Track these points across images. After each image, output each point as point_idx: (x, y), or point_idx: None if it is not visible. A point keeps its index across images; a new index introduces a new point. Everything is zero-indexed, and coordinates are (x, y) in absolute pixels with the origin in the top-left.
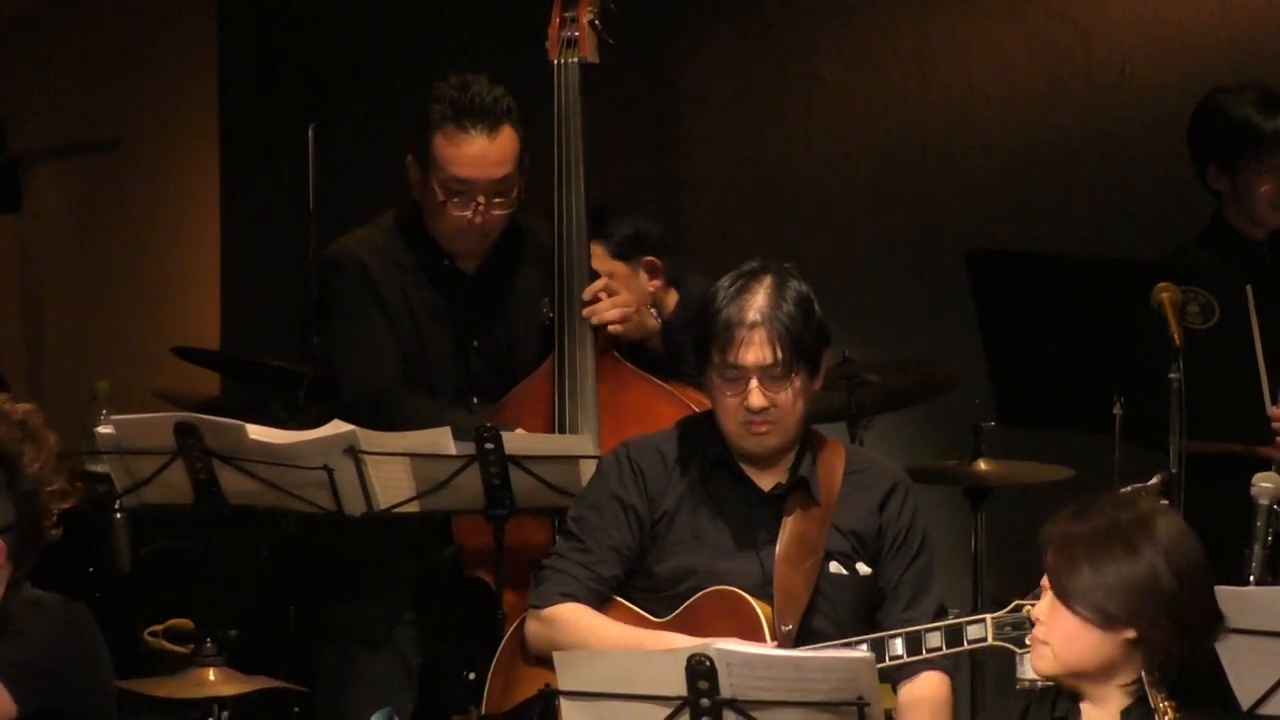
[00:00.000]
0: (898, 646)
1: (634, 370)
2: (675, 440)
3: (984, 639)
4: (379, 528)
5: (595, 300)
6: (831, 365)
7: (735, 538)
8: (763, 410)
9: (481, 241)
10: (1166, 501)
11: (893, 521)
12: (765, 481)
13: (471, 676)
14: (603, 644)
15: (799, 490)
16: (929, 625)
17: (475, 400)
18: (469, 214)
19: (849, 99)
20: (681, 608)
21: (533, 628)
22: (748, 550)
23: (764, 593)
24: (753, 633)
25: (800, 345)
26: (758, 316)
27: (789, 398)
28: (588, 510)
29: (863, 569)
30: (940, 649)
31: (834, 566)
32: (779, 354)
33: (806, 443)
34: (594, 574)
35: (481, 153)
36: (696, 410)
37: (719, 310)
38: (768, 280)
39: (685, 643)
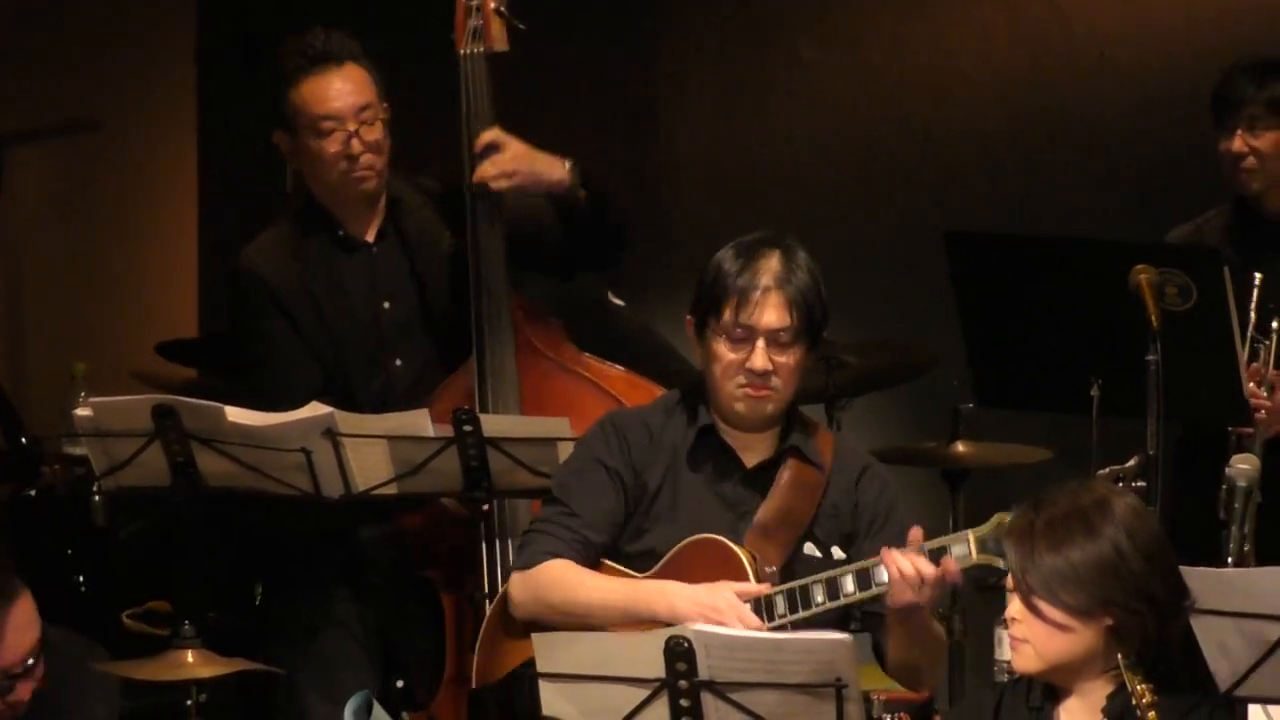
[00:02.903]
0: (882, 575)
1: (556, 362)
2: (661, 412)
3: (968, 556)
4: (312, 515)
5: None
6: None
7: (718, 511)
8: (765, 374)
9: (371, 181)
10: (1144, 483)
11: (871, 503)
12: (750, 458)
13: (400, 685)
14: (592, 595)
15: (786, 462)
16: (843, 569)
17: (398, 362)
18: (347, 146)
19: (828, 80)
20: (663, 561)
21: (517, 591)
22: (729, 523)
23: None
24: (736, 575)
25: (811, 314)
26: (773, 280)
27: (790, 365)
28: (573, 476)
29: (837, 553)
30: (854, 593)
31: (808, 548)
32: (792, 319)
33: (793, 420)
34: (581, 537)
35: (340, 86)
36: (620, 400)
37: (731, 273)
38: (778, 250)
39: (677, 589)
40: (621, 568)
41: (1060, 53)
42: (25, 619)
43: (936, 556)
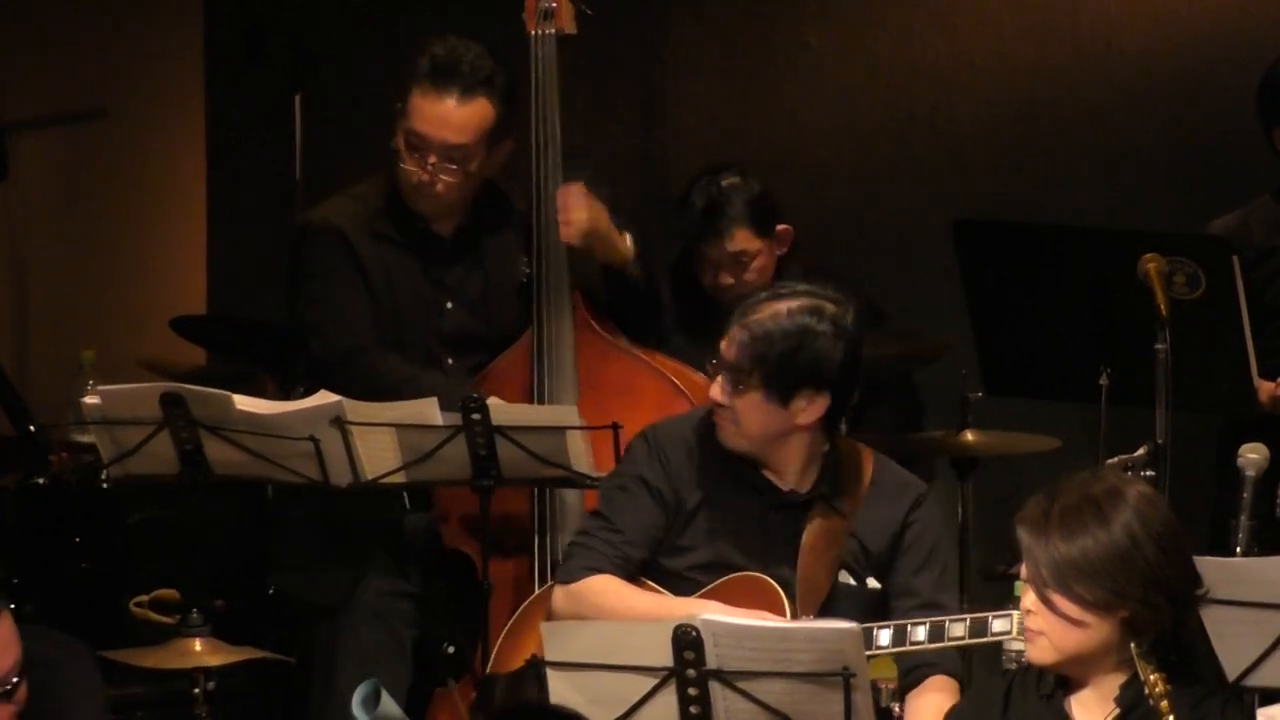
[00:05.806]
0: (920, 633)
1: (613, 343)
2: (699, 429)
3: (1009, 632)
4: (342, 495)
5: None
6: None
7: (756, 537)
8: (718, 405)
9: (434, 203)
10: (1152, 472)
11: (915, 542)
12: (783, 483)
13: (450, 650)
14: (632, 612)
15: (813, 514)
16: (955, 616)
17: (450, 361)
18: (417, 169)
19: (836, 68)
20: (706, 589)
21: (559, 602)
22: (767, 549)
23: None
24: (775, 611)
25: (763, 361)
26: (743, 319)
27: (744, 405)
28: (616, 492)
29: (872, 583)
30: (963, 638)
31: (843, 577)
32: (735, 355)
33: (833, 451)
34: (621, 553)
35: (444, 114)
36: (676, 385)
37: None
38: (789, 300)
39: (716, 609)
40: (659, 587)
41: (1068, 41)
42: (3, 638)
43: (977, 628)
